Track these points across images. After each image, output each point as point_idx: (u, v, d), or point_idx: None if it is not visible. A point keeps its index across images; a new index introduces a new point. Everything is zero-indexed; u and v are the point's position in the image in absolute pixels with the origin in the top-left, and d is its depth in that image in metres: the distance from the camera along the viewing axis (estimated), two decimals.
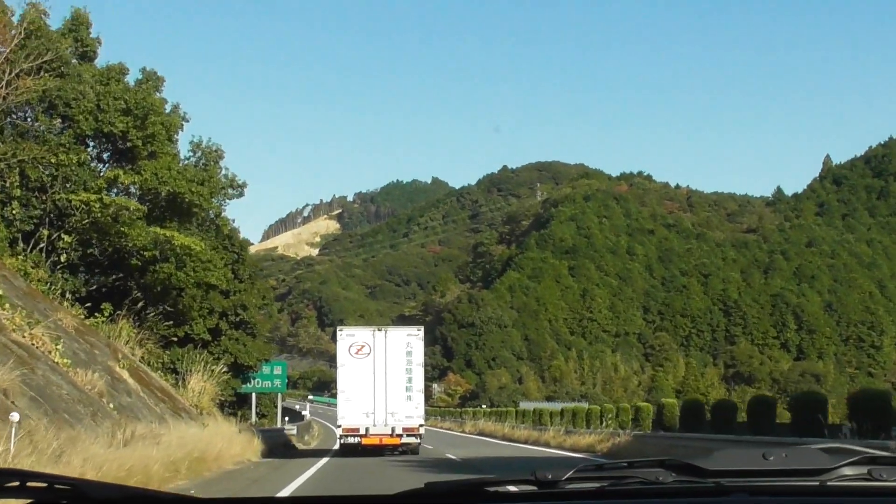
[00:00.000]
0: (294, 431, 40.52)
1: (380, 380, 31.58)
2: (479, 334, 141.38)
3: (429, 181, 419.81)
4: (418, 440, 32.16)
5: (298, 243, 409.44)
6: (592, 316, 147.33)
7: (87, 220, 27.62)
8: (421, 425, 31.91)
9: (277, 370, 42.59)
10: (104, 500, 2.19)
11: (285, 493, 15.21)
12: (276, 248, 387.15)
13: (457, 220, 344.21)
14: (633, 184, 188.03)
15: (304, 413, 69.58)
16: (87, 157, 28.56)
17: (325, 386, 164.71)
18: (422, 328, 34.13)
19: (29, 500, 2.10)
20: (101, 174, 28.56)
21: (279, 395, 45.07)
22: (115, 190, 29.14)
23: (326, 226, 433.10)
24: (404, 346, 32.14)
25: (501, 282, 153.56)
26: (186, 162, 31.41)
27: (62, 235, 27.66)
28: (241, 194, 32.75)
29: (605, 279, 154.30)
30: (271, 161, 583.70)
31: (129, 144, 28.65)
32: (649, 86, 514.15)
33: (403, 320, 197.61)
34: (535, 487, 2.26)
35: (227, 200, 33.08)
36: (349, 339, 32.14)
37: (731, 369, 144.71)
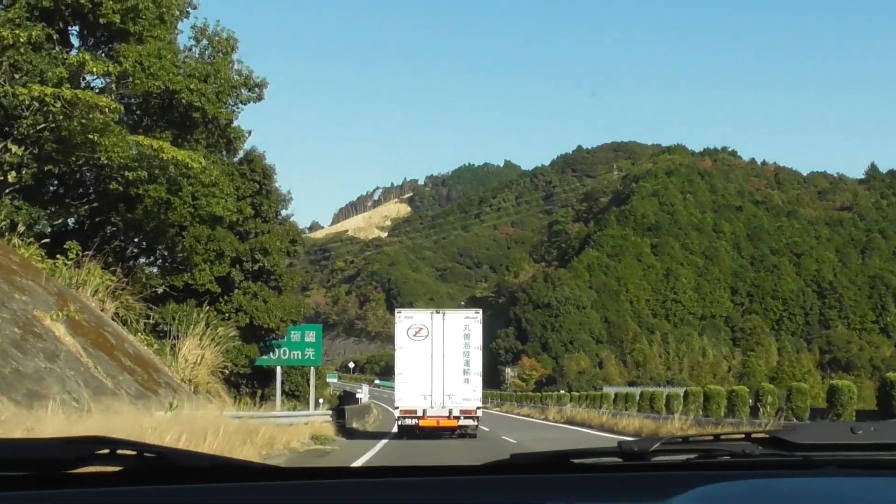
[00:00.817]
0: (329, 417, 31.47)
1: (437, 362, 31.82)
2: (555, 315, 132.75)
3: (501, 164, 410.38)
4: (476, 423, 32.24)
5: (369, 227, 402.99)
6: (677, 297, 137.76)
7: (42, 125, 19.89)
8: (478, 408, 31.92)
9: (310, 336, 33.04)
10: (192, 468, 2.21)
11: None
12: (347, 231, 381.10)
13: (530, 200, 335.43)
14: (718, 159, 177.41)
15: (358, 395, 61.26)
16: (43, 37, 20.48)
17: (393, 370, 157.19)
18: (480, 311, 33.87)
19: (118, 468, 2.15)
20: (64, 61, 20.57)
21: (312, 369, 34.58)
22: (82, 83, 21.20)
23: (397, 209, 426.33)
24: (462, 328, 32.16)
25: (579, 260, 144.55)
26: (187, 55, 23.41)
27: (9, 146, 19.94)
28: (259, 97, 24.72)
29: (690, 258, 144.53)
30: (343, 144, 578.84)
31: (102, 20, 20.69)
32: (730, 60, 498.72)
33: (474, 302, 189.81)
34: (620, 459, 2.26)
35: (242, 105, 24.99)
36: (407, 321, 32.31)
37: (827, 355, 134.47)
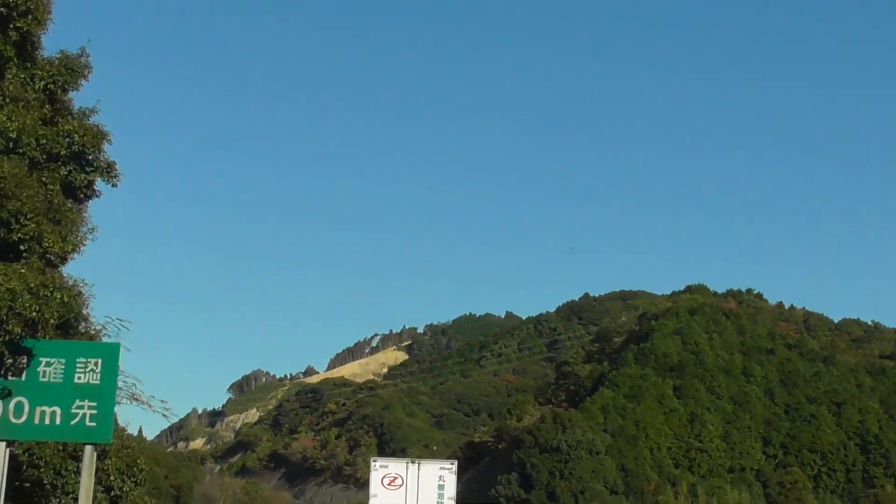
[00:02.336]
0: None
1: None
2: (564, 461, 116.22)
3: (502, 315, 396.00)
4: None
5: (365, 373, 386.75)
6: (702, 445, 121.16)
7: None
8: None
9: (89, 370, 15.23)
10: None
11: None
12: (342, 377, 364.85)
13: (533, 348, 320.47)
14: (743, 301, 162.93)
15: None
16: None
17: None
18: (455, 462, 35.23)
19: None
20: None
21: (88, 451, 15.82)
22: None
23: (395, 357, 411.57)
24: (437, 479, 33.04)
25: (592, 401, 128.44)
26: None
27: None
28: None
29: (718, 403, 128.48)
30: (339, 289, 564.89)
31: None
32: (746, 205, 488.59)
33: (472, 448, 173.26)
34: None
35: None
36: (382, 470, 33.27)
37: None
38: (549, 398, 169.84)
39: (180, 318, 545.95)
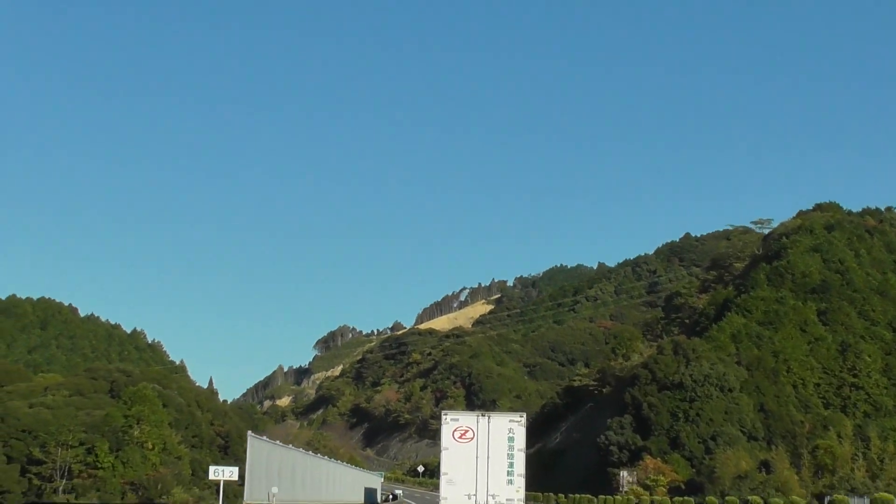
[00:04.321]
0: None
1: (482, 464, 34.78)
2: (690, 400, 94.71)
3: (594, 266, 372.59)
4: None
5: (453, 328, 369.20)
6: (858, 381, 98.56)
7: None
8: None
9: None
10: None
11: None
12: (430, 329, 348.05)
13: (632, 292, 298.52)
14: (884, 220, 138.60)
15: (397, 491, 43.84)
16: None
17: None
18: (524, 415, 37.11)
19: None
20: None
21: None
22: None
23: (484, 310, 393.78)
24: (506, 432, 35.31)
25: (719, 328, 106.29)
26: None
27: None
28: None
29: (874, 330, 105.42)
30: (428, 242, 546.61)
31: None
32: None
33: (572, 393, 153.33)
34: None
35: None
36: (453, 423, 35.78)
37: None
38: (660, 335, 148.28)
39: (268, 279, 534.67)
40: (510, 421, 35.24)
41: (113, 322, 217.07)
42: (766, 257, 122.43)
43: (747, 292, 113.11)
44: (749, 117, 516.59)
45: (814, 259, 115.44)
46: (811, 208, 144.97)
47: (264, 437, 43.91)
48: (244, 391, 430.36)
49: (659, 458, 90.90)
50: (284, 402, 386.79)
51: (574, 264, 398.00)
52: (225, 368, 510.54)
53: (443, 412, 36.98)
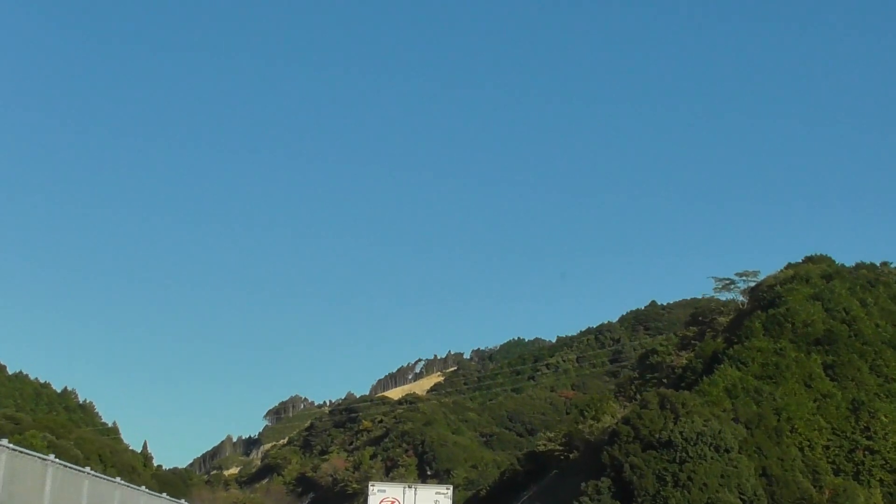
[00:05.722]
0: None
1: None
2: (680, 461, 79.95)
3: (553, 340, 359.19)
4: None
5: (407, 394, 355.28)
6: (873, 444, 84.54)
7: None
8: None
9: None
10: None
11: None
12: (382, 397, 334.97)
13: (595, 362, 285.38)
14: (881, 274, 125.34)
15: None
16: None
17: None
18: (451, 487, 39.66)
19: None
20: None
21: None
22: None
23: (440, 382, 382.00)
24: (432, 503, 36.91)
25: (711, 381, 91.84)
26: None
27: None
28: None
29: (888, 387, 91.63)
30: (384, 313, 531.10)
31: None
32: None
33: (534, 459, 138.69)
34: None
35: None
36: (380, 494, 37.35)
37: None
38: (633, 396, 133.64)
39: (219, 342, 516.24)
40: (436, 493, 36.08)
41: (43, 381, 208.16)
42: (761, 307, 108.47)
43: (741, 343, 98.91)
44: (725, 177, 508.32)
45: (815, 308, 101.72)
46: (801, 261, 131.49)
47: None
48: (191, 461, 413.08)
49: None
50: (233, 471, 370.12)
51: (532, 337, 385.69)
52: (172, 436, 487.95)
53: (370, 483, 38.28)
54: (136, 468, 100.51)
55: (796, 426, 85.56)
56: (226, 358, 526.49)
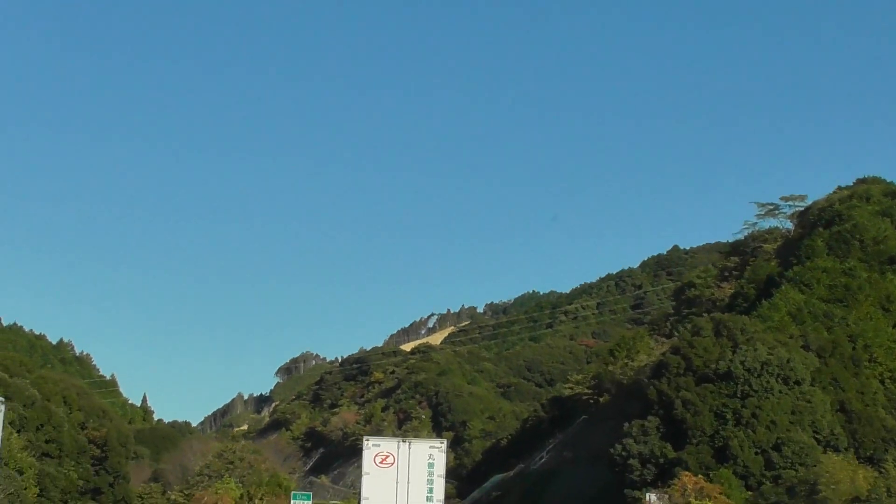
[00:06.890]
0: None
1: (402, 488, 35.95)
2: (742, 395, 67.56)
3: (568, 291, 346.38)
4: None
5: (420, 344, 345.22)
6: None
7: None
8: None
9: None
10: None
11: None
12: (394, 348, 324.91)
13: (615, 308, 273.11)
14: None
15: None
16: None
17: None
18: (444, 441, 39.17)
19: None
20: None
21: None
22: None
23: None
24: (426, 457, 36.52)
25: (772, 304, 79.41)
26: None
27: None
28: None
29: None
30: (397, 268, 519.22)
31: None
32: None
33: (559, 404, 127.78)
34: None
35: None
36: (375, 448, 36.98)
37: None
38: (670, 333, 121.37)
39: (230, 299, 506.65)
40: (430, 447, 36.29)
41: (38, 333, 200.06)
42: (821, 225, 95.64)
43: (801, 264, 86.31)
44: (745, 114, 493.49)
45: (885, 224, 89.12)
46: (853, 183, 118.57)
47: None
48: (202, 419, 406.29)
49: (701, 475, 63.69)
50: (242, 428, 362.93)
51: (547, 290, 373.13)
52: (184, 394, 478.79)
53: (364, 437, 38.64)
54: (107, 413, 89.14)
55: (875, 355, 73.17)
56: (237, 314, 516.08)
